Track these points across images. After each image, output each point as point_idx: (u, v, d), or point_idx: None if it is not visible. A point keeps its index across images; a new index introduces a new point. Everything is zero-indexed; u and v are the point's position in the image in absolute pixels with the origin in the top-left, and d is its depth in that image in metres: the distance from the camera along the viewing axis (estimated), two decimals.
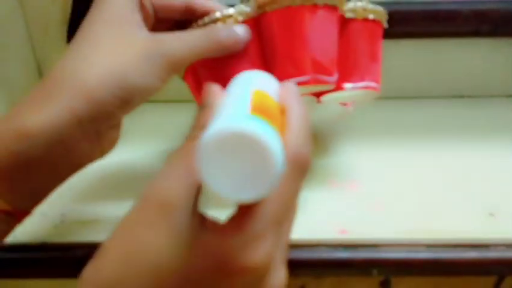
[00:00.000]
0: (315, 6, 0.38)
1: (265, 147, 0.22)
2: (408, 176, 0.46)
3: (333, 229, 0.40)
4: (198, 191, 0.26)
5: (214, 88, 0.30)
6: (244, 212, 0.25)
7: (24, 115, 0.30)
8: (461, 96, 0.57)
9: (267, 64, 0.39)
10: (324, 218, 0.41)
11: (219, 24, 0.38)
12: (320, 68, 0.38)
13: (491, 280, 0.43)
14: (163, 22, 0.38)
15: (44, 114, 0.30)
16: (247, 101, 0.27)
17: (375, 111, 0.51)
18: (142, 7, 0.36)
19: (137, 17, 0.35)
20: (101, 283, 0.26)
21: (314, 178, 0.45)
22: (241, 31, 0.37)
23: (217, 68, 0.39)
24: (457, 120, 0.54)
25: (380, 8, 0.42)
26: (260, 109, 0.26)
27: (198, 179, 0.25)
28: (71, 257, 0.39)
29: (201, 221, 0.26)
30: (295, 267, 0.39)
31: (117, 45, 0.33)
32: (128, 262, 0.25)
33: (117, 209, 0.42)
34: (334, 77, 0.40)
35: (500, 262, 0.39)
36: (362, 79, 0.42)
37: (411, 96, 0.57)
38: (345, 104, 0.45)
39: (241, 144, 0.22)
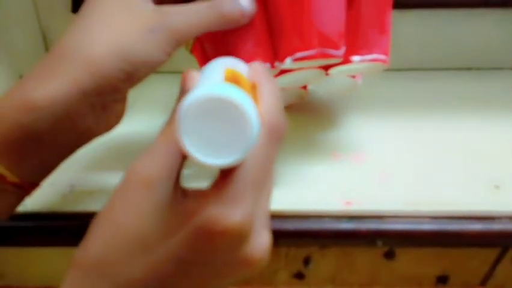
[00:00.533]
0: None
1: (241, 110, 0.23)
2: (413, 148, 0.46)
3: (338, 200, 0.40)
4: (179, 166, 0.27)
5: (192, 74, 0.30)
6: (224, 177, 0.26)
7: (31, 88, 0.31)
8: (469, 69, 0.56)
9: (273, 38, 0.39)
10: (329, 189, 0.41)
11: None
12: (327, 42, 0.38)
13: (494, 252, 0.43)
14: None
15: (51, 86, 0.30)
16: (221, 76, 0.28)
17: (381, 83, 0.51)
18: None
19: None
20: (89, 263, 0.26)
21: (320, 150, 0.45)
22: (246, 4, 0.36)
23: (222, 42, 0.39)
24: (464, 92, 0.53)
25: None
26: (233, 80, 0.27)
27: (178, 155, 0.27)
28: (79, 225, 0.39)
29: (183, 192, 0.27)
30: (301, 238, 0.39)
31: (123, 19, 0.33)
32: (114, 238, 0.26)
33: None
34: (341, 51, 0.39)
35: (504, 234, 0.39)
36: (370, 51, 0.41)
37: (417, 68, 0.57)
38: (353, 77, 0.44)
39: (218, 109, 0.23)
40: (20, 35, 0.55)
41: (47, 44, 0.60)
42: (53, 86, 0.30)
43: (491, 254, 0.44)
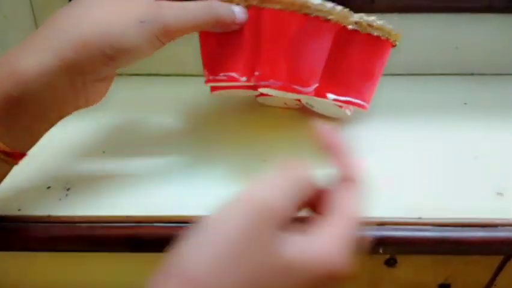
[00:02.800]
0: (306, 16, 0.38)
1: None
2: (415, 154, 0.45)
3: None
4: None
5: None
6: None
7: (20, 59, 0.32)
8: (472, 74, 0.56)
9: (253, 55, 0.40)
10: None
11: (218, 1, 0.38)
12: (295, 78, 0.39)
13: (496, 259, 0.43)
14: None
15: (38, 60, 0.32)
16: None
17: (383, 88, 0.50)
18: None
19: None
20: (198, 280, 0.24)
21: (320, 155, 0.45)
22: (238, 12, 0.39)
23: (211, 42, 0.40)
24: (467, 98, 0.53)
25: (388, 27, 0.40)
26: None
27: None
28: (75, 230, 0.39)
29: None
30: None
31: (116, 6, 0.34)
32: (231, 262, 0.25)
33: (121, 184, 0.42)
34: (309, 89, 0.40)
35: (507, 242, 0.39)
36: (346, 94, 0.42)
37: (420, 73, 0.56)
38: (340, 106, 0.44)
39: None
40: (16, 34, 0.55)
41: None
42: (39, 59, 0.32)
43: (494, 261, 0.43)
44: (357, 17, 0.39)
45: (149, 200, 0.40)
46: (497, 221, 0.39)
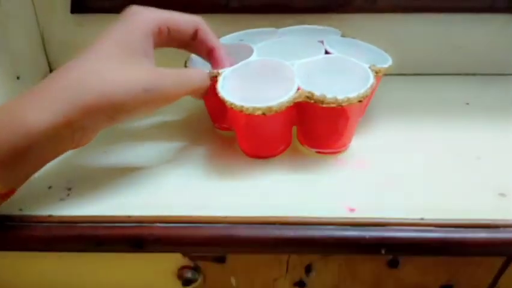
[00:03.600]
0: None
1: None
2: (418, 155, 0.45)
3: (342, 207, 0.40)
4: None
5: None
6: None
7: (28, 113, 0.33)
8: (474, 74, 0.56)
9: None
10: (333, 196, 0.41)
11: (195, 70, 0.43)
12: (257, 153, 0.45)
13: (499, 261, 0.43)
14: (174, 40, 0.42)
15: (46, 116, 0.33)
16: None
17: (385, 88, 0.50)
18: (160, 32, 0.40)
19: (147, 47, 0.39)
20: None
21: (323, 156, 0.45)
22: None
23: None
24: (469, 98, 0.53)
25: (341, 97, 0.40)
26: None
27: None
28: (77, 230, 0.39)
29: None
30: (302, 245, 0.38)
31: (121, 72, 0.36)
32: None
33: (122, 184, 0.42)
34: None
35: (509, 243, 0.38)
36: (319, 147, 0.45)
37: (422, 73, 0.56)
38: (318, 152, 0.46)
39: None
40: (18, 35, 0.55)
41: (45, 44, 0.60)
42: (46, 116, 0.34)
43: (496, 263, 0.43)
44: (308, 93, 0.41)
45: (151, 200, 0.40)
46: (500, 222, 0.39)
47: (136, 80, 0.36)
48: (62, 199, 0.41)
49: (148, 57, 0.39)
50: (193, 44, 0.43)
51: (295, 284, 0.45)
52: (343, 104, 0.40)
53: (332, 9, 0.55)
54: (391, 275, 0.43)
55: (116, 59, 0.37)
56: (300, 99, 0.40)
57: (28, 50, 0.57)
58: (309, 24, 0.53)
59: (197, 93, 0.42)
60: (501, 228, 0.39)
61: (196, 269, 0.43)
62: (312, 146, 0.45)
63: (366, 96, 0.40)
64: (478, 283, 0.44)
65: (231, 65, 0.44)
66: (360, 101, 0.40)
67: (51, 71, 0.60)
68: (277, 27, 0.53)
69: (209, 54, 0.44)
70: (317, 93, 0.40)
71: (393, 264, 0.43)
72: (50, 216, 0.39)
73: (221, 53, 0.43)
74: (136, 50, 0.38)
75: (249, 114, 0.40)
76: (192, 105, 0.51)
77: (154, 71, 0.38)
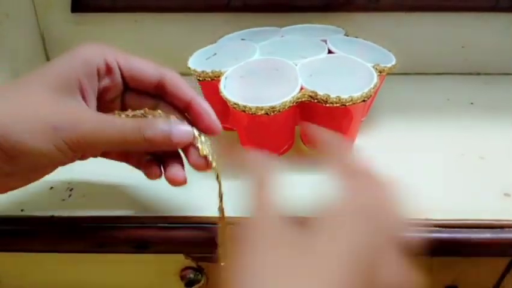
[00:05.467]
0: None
1: None
2: (421, 155, 0.45)
3: None
4: None
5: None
6: None
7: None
8: (478, 74, 0.56)
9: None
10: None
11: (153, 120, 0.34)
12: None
13: (504, 261, 0.42)
14: (138, 92, 0.36)
15: None
16: None
17: (388, 88, 0.50)
18: (108, 73, 0.35)
19: (77, 85, 0.33)
20: None
21: (325, 157, 0.45)
22: (166, 127, 0.34)
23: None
24: (473, 98, 0.53)
25: (344, 97, 0.39)
26: None
27: None
28: (78, 231, 0.39)
29: None
30: None
31: (40, 107, 0.31)
32: None
33: (124, 184, 0.42)
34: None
35: None
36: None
37: (426, 73, 0.56)
38: None
39: None
40: (18, 35, 0.54)
41: (45, 43, 0.59)
42: None
43: (501, 263, 0.43)
44: (312, 93, 0.40)
45: (152, 201, 0.40)
46: (504, 222, 0.39)
47: (46, 115, 0.31)
48: (63, 199, 0.41)
49: (75, 97, 0.33)
50: (159, 106, 0.36)
51: None
52: (346, 104, 0.39)
53: (335, 8, 0.55)
54: None
55: (36, 97, 0.32)
56: (303, 99, 0.40)
57: (28, 49, 0.57)
58: (312, 23, 0.53)
59: (154, 146, 0.34)
60: (506, 229, 0.38)
61: (198, 270, 0.43)
62: (316, 146, 0.45)
63: (370, 95, 0.40)
64: (482, 283, 0.44)
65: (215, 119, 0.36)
66: (363, 101, 0.40)
67: None
68: (280, 26, 0.53)
69: (187, 109, 0.36)
70: (320, 92, 0.40)
71: None
72: (52, 217, 0.39)
73: (203, 104, 0.36)
74: (64, 89, 0.33)
75: (252, 114, 0.39)
76: None
77: (73, 111, 0.32)
